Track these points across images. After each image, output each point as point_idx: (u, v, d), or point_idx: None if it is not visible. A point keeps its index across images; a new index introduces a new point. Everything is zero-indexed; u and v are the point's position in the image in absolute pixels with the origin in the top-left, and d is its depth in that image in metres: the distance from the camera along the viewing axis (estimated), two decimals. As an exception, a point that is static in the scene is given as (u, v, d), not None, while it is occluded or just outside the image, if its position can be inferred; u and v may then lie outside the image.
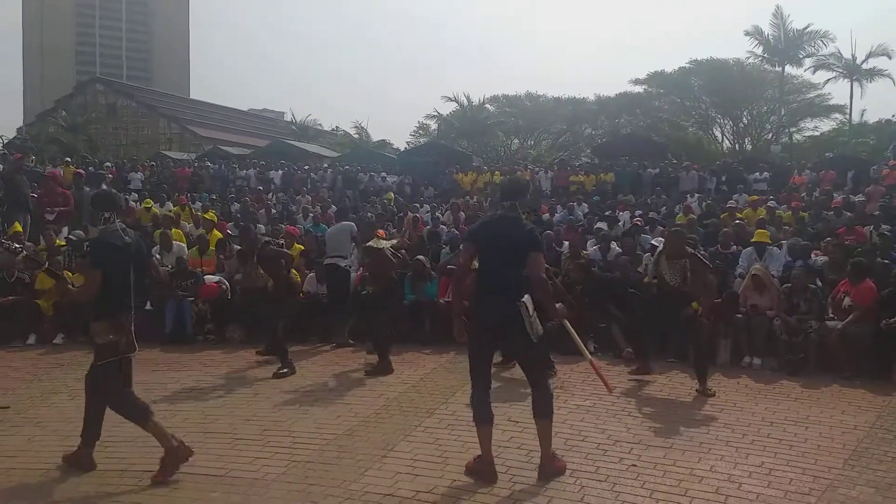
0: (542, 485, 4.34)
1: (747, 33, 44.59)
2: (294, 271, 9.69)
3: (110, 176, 19.47)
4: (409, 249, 10.00)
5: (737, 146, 47.57)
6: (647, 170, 22.01)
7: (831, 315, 7.63)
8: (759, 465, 4.71)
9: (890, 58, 41.09)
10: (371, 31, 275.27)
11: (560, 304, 4.70)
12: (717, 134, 50.30)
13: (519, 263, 4.40)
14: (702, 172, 21.47)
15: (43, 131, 49.70)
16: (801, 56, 43.82)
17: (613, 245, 10.32)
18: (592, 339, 8.40)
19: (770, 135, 46.86)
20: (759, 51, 44.76)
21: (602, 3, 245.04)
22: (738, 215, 12.82)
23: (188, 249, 10.79)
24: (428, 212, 16.57)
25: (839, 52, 42.47)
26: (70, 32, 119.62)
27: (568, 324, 4.93)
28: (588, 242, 11.07)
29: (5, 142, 36.46)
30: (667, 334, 7.43)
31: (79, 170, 17.36)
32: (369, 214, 12.43)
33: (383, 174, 23.86)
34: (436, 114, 50.20)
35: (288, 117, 65.59)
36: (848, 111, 43.75)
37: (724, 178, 20.79)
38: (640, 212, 14.80)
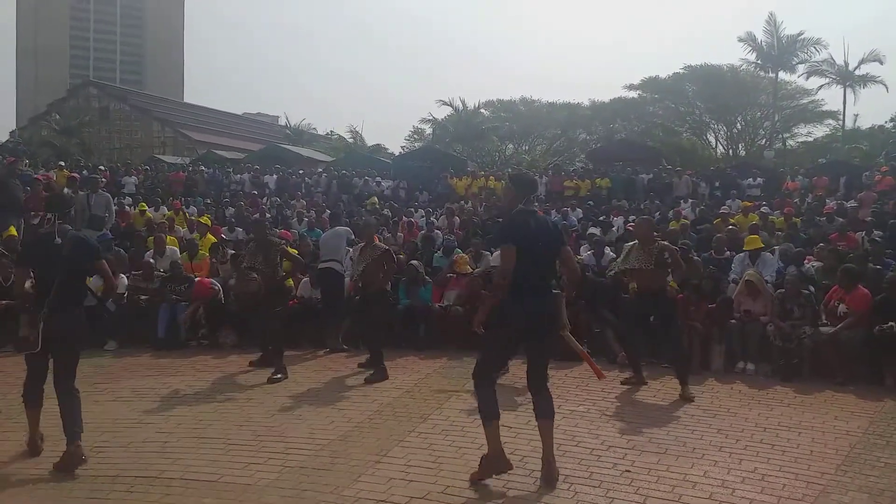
0: (536, 490, 4.33)
1: (741, 39, 44.88)
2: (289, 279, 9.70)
3: (104, 180, 19.39)
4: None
5: (730, 152, 47.76)
6: (640, 175, 22.08)
7: (825, 321, 7.65)
8: (752, 470, 4.72)
9: (882, 63, 41.42)
10: (367, 34, 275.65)
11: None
12: (711, 139, 50.52)
13: (553, 257, 4.55)
14: (695, 178, 21.55)
15: (36, 135, 49.53)
16: (794, 62, 44.10)
17: (607, 250, 10.33)
18: (586, 344, 8.40)
19: (764, 140, 47.08)
20: (753, 57, 45.05)
21: (597, 9, 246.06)
22: (731, 221, 12.86)
23: (180, 254, 10.75)
24: (423, 216, 16.58)
25: (832, 59, 42.78)
26: (64, 35, 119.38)
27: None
28: (582, 247, 11.08)
29: (-2, 145, 36.32)
30: (658, 339, 7.42)
31: (73, 174, 17.33)
32: (364, 218, 12.41)
33: (378, 179, 23.86)
34: (431, 118, 50.31)
35: (282, 121, 65.61)
36: (841, 117, 44.03)
37: (717, 184, 20.87)
38: (633, 217, 14.83)
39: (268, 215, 16.29)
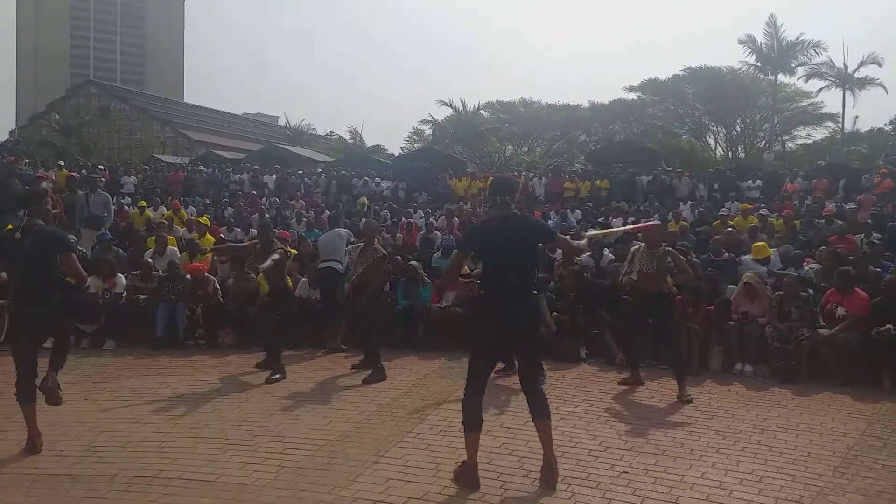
0: (534, 491, 4.33)
1: (741, 42, 44.96)
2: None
3: (103, 179, 19.39)
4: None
5: (730, 154, 47.84)
6: (640, 177, 22.09)
7: (822, 323, 7.65)
8: (749, 472, 4.72)
9: (881, 66, 41.45)
10: (367, 35, 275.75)
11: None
12: (711, 141, 50.60)
13: (531, 257, 4.43)
14: (694, 180, 21.57)
15: (35, 134, 49.66)
16: (793, 65, 44.16)
17: (606, 251, 10.33)
18: (585, 346, 8.42)
19: (763, 142, 47.14)
20: (753, 59, 45.13)
21: (597, 11, 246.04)
22: (731, 223, 12.86)
23: (180, 254, 10.76)
24: (422, 217, 16.58)
25: (831, 61, 42.82)
26: (64, 35, 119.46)
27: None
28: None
29: (-2, 144, 36.33)
30: (658, 341, 7.42)
31: (72, 173, 17.32)
32: (365, 220, 12.40)
33: (377, 179, 23.85)
34: (430, 119, 50.35)
35: (282, 121, 65.71)
36: (840, 119, 44.08)
37: (716, 186, 20.88)
38: (632, 219, 14.83)
39: (267, 215, 16.31)
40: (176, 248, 10.99)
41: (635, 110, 50.80)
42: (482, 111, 50.65)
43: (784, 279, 8.33)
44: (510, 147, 51.87)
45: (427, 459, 4.88)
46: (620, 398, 6.69)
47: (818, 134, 46.52)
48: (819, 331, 7.48)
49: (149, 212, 15.10)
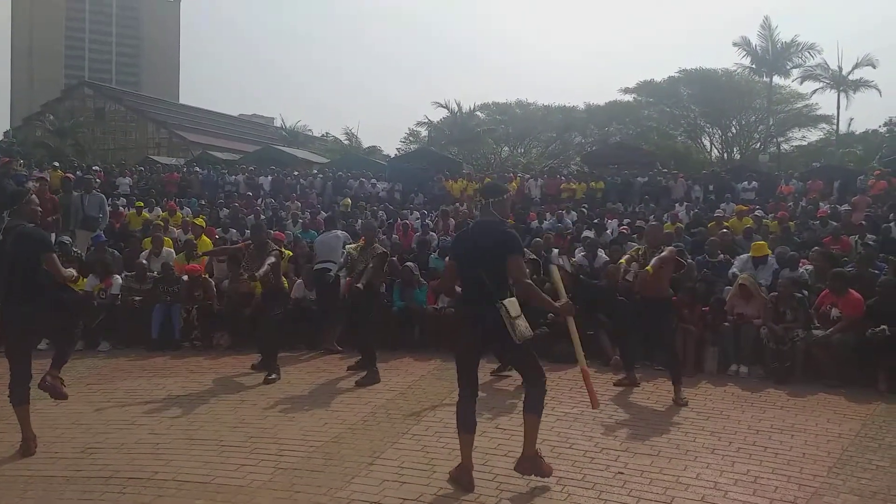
0: (529, 492, 4.33)
1: (736, 44, 45.07)
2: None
3: (98, 180, 19.35)
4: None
5: (725, 155, 47.93)
6: (636, 178, 22.13)
7: (817, 325, 7.68)
8: (744, 472, 4.73)
9: (875, 68, 41.59)
10: (363, 36, 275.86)
11: (566, 301, 4.63)
12: (706, 143, 50.72)
13: (497, 267, 4.32)
14: (689, 181, 21.61)
15: (30, 135, 49.49)
16: (788, 67, 44.28)
17: (600, 252, 10.35)
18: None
19: (758, 144, 47.25)
20: (748, 61, 45.25)
21: (593, 13, 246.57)
22: (726, 224, 12.90)
23: (175, 255, 10.73)
24: (418, 219, 16.58)
25: (826, 63, 42.95)
26: (59, 36, 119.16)
27: (572, 324, 4.78)
28: (576, 250, 11.10)
29: (-8, 145, 36.23)
30: (653, 342, 7.44)
31: (67, 174, 17.28)
32: (365, 220, 12.39)
33: (373, 180, 23.84)
34: (426, 120, 50.38)
35: (278, 123, 65.57)
36: (835, 121, 44.23)
37: (711, 188, 20.93)
38: (627, 220, 14.87)
39: (262, 217, 16.29)
40: (172, 250, 10.97)
41: (631, 112, 50.86)
42: (478, 112, 50.73)
43: (778, 280, 8.36)
44: (506, 148, 51.95)
45: (422, 461, 4.88)
46: (616, 399, 6.69)
47: (813, 135, 46.71)
48: (814, 332, 7.51)
49: (145, 213, 15.07)
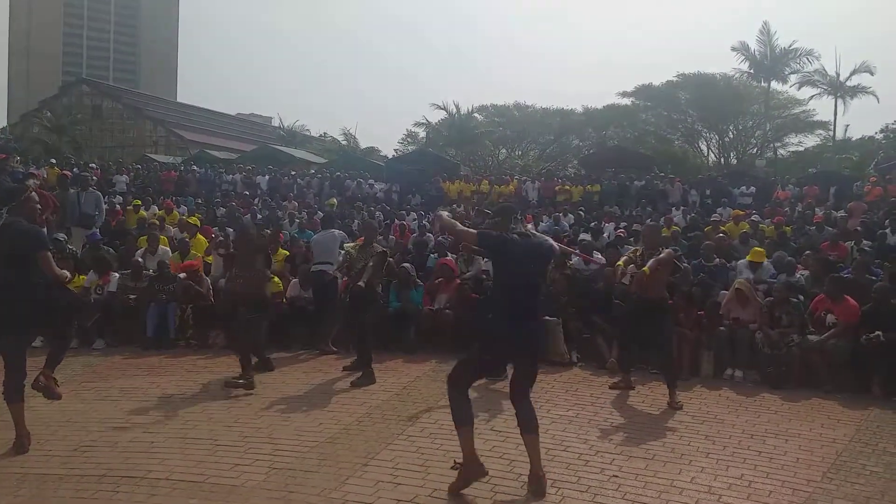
0: (524, 494, 4.33)
1: (734, 49, 45.21)
2: (276, 277, 9.64)
3: (95, 178, 19.30)
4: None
5: (722, 160, 48.00)
6: (633, 182, 22.16)
7: (812, 330, 7.69)
8: (739, 477, 4.74)
9: (873, 74, 41.71)
10: (361, 38, 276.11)
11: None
12: (703, 147, 50.74)
13: (539, 281, 4.53)
14: (686, 185, 21.66)
15: (27, 132, 49.39)
16: (786, 72, 44.42)
17: (596, 255, 10.35)
18: (576, 349, 8.43)
19: (755, 149, 47.35)
20: (746, 66, 45.39)
21: (592, 17, 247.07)
22: (722, 228, 12.92)
23: (171, 253, 10.71)
24: (415, 220, 16.57)
25: (823, 69, 43.08)
26: (57, 33, 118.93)
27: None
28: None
29: (-11, 142, 36.09)
30: (649, 345, 7.43)
31: (64, 171, 17.23)
32: (365, 220, 12.37)
33: (371, 181, 23.84)
34: (424, 121, 50.33)
35: (276, 122, 65.37)
36: (832, 127, 44.34)
37: (708, 192, 20.97)
38: (624, 224, 14.87)
39: (259, 216, 16.27)
40: (168, 248, 10.95)
41: (628, 116, 50.89)
42: (476, 114, 50.63)
43: (774, 285, 8.37)
44: (504, 150, 51.92)
45: (417, 462, 4.88)
46: (611, 402, 6.70)
47: (810, 141, 46.81)
48: (809, 337, 7.52)
49: (142, 211, 15.04)
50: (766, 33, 44.48)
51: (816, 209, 16.28)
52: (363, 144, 51.69)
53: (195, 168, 25.21)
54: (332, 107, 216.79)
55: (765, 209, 17.22)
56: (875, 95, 41.84)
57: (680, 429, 5.85)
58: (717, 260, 9.90)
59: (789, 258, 9.58)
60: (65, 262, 7.78)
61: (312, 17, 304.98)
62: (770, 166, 38.52)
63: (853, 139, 44.03)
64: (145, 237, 11.24)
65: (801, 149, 46.55)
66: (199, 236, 11.72)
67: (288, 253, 10.65)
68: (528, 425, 4.44)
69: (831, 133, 44.51)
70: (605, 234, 13.51)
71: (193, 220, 13.32)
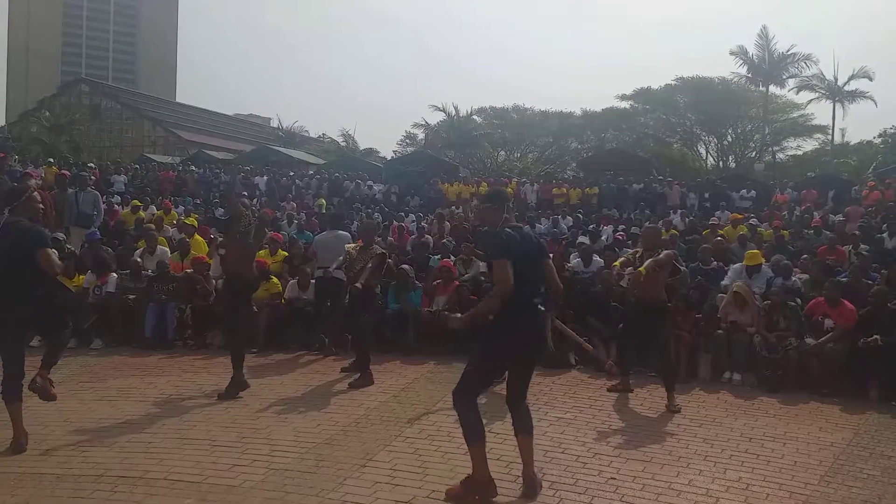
0: (521, 496, 4.33)
1: (732, 53, 45.32)
2: (275, 279, 9.65)
3: (93, 178, 19.29)
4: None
5: (720, 164, 48.13)
6: (631, 185, 22.19)
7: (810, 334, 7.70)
8: (736, 480, 4.74)
9: (871, 80, 41.82)
10: (360, 39, 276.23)
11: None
12: (702, 151, 50.92)
13: (541, 274, 4.46)
14: (684, 189, 21.69)
15: (25, 131, 49.29)
16: (784, 77, 44.55)
17: (595, 258, 10.37)
18: (574, 352, 8.43)
19: (754, 153, 47.51)
20: (744, 70, 45.49)
21: (591, 19, 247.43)
22: (720, 232, 12.93)
23: (170, 254, 10.71)
24: (413, 221, 16.58)
25: (822, 74, 43.19)
26: (56, 33, 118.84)
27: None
28: (571, 255, 11.11)
29: (-13, 141, 36.03)
30: (647, 348, 7.44)
31: (63, 171, 17.21)
32: (364, 220, 12.35)
33: (369, 182, 23.86)
34: (423, 123, 50.37)
35: (274, 123, 65.33)
36: (830, 131, 44.44)
37: (706, 195, 21.01)
38: (622, 227, 14.90)
39: (255, 217, 16.23)
40: (166, 248, 10.94)
41: (627, 119, 51.03)
42: (475, 116, 50.73)
43: (772, 289, 8.38)
44: (502, 153, 52.01)
45: (415, 464, 4.88)
46: (609, 405, 6.70)
47: (808, 145, 46.99)
48: (807, 340, 7.53)
49: (140, 211, 15.02)
50: (764, 37, 44.65)
51: (815, 213, 16.30)
52: (362, 146, 51.70)
53: (193, 168, 25.20)
54: (330, 108, 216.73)
55: (763, 213, 17.25)
56: (874, 100, 42.02)
57: (678, 432, 5.85)
58: (715, 263, 9.90)
59: (786, 261, 9.59)
60: (64, 261, 7.76)
61: (312, 19, 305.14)
62: (769, 170, 38.64)
63: (851, 143, 44.19)
64: (142, 241, 11.21)
65: (799, 153, 46.81)
66: (197, 236, 11.70)
67: (287, 254, 10.64)
68: (522, 426, 4.42)
69: (830, 137, 44.66)
70: (603, 237, 13.52)
71: (191, 220, 13.31)
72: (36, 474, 4.62)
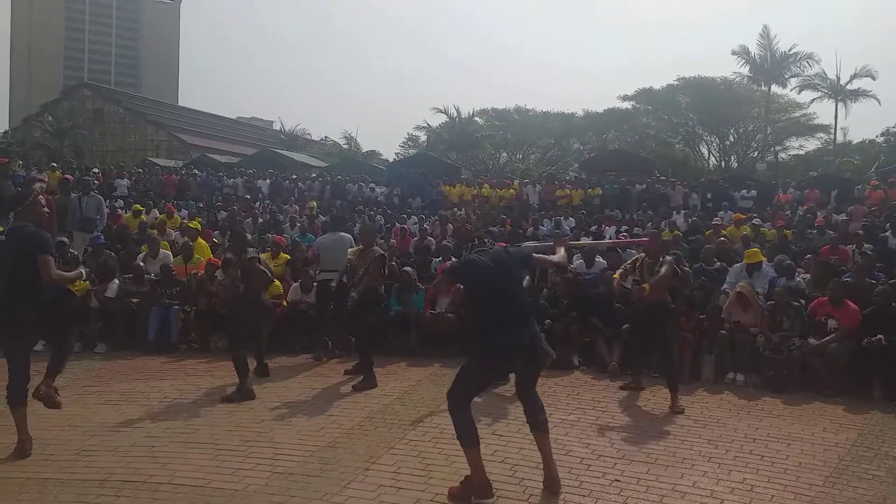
0: (526, 499, 4.33)
1: (734, 53, 45.27)
2: (277, 282, 9.63)
3: (96, 182, 19.33)
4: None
5: (723, 164, 48.08)
6: (634, 185, 22.18)
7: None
8: (741, 481, 4.73)
9: (874, 79, 41.73)
10: (362, 42, 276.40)
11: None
12: (704, 151, 50.88)
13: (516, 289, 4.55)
14: (686, 189, 21.68)
15: (28, 136, 49.45)
16: (786, 76, 44.47)
17: (599, 259, 10.36)
18: (577, 354, 8.43)
19: (756, 153, 47.43)
20: (746, 70, 45.43)
21: (593, 20, 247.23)
22: (723, 232, 12.91)
23: (174, 257, 10.72)
24: (416, 223, 16.59)
25: (824, 73, 43.11)
26: (59, 37, 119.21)
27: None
28: (574, 256, 11.10)
29: (-9, 145, 36.13)
30: (650, 349, 7.43)
31: (66, 175, 17.25)
32: (364, 223, 12.36)
33: (372, 185, 23.88)
34: (425, 125, 50.40)
35: (277, 126, 65.39)
36: (832, 131, 44.36)
37: (709, 196, 20.99)
38: (625, 227, 14.89)
39: (260, 220, 16.29)
40: (169, 252, 10.95)
41: (629, 119, 51.02)
42: (477, 118, 50.66)
43: (776, 289, 8.36)
44: (504, 154, 52.04)
45: (419, 466, 4.87)
46: (613, 406, 6.68)
47: (810, 145, 46.91)
48: (810, 340, 7.51)
49: (143, 215, 15.05)
50: (766, 37, 44.60)
51: (818, 212, 16.27)
52: (364, 148, 51.70)
53: (196, 172, 25.24)
54: (333, 111, 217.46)
55: (766, 213, 17.23)
56: (876, 99, 41.92)
57: (682, 433, 5.84)
58: (719, 263, 9.88)
59: (789, 261, 9.57)
60: (67, 266, 7.77)
61: (314, 22, 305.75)
62: (771, 170, 38.59)
63: (854, 143, 44.10)
64: (145, 246, 11.23)
65: (801, 152, 46.73)
66: (200, 240, 11.71)
67: (289, 257, 10.64)
68: (533, 422, 4.44)
69: (832, 137, 44.56)
70: (606, 238, 13.52)
71: (194, 224, 13.33)
72: (40, 479, 4.62)
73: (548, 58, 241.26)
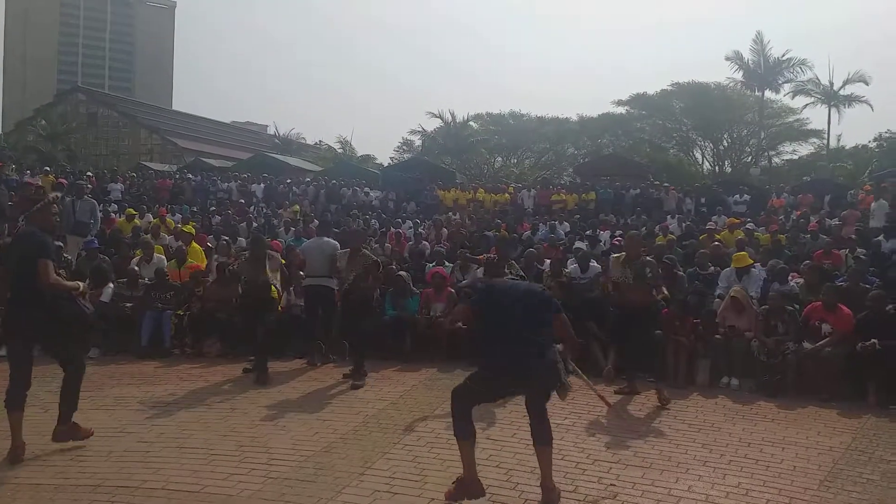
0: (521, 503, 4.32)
1: (728, 58, 45.46)
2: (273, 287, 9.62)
3: (90, 186, 19.24)
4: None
5: (717, 168, 48.19)
6: (628, 190, 22.22)
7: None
8: (736, 485, 4.74)
9: (867, 84, 41.94)
10: (357, 46, 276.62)
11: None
12: (698, 156, 50.94)
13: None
14: (680, 194, 21.73)
15: (22, 139, 49.20)
16: (780, 81, 44.67)
17: (592, 263, 10.37)
18: (571, 358, 8.41)
19: (750, 158, 47.55)
20: (740, 76, 45.63)
21: (587, 26, 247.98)
22: (717, 237, 12.95)
23: (167, 262, 10.68)
24: (410, 228, 16.58)
25: (817, 78, 43.32)
26: (53, 41, 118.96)
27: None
28: (569, 261, 11.12)
29: (-17, 150, 35.97)
30: (638, 350, 7.43)
31: (60, 179, 17.19)
32: (355, 227, 12.34)
33: (366, 189, 23.87)
34: (420, 129, 50.45)
35: (271, 130, 65.38)
36: (826, 136, 44.53)
37: (703, 200, 21.04)
38: (620, 232, 14.90)
39: (254, 224, 16.25)
40: (163, 256, 10.91)
41: (623, 124, 51.10)
42: (471, 123, 50.74)
43: (770, 293, 8.38)
44: (499, 159, 52.03)
45: (414, 471, 4.86)
46: (608, 411, 6.67)
47: (804, 150, 47.07)
48: (805, 345, 7.53)
49: (136, 220, 15.00)
50: (759, 42, 44.80)
51: (811, 217, 16.33)
52: (359, 152, 51.68)
53: (190, 176, 25.17)
54: (327, 115, 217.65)
55: (760, 217, 17.27)
56: (869, 104, 42.14)
57: (677, 437, 5.84)
58: (713, 268, 9.91)
59: (782, 265, 9.60)
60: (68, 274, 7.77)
61: (308, 26, 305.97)
62: (764, 174, 38.67)
63: (847, 148, 44.26)
64: (139, 251, 11.19)
65: (795, 157, 46.83)
66: (194, 244, 11.68)
67: (284, 261, 10.60)
68: (540, 436, 4.39)
69: (825, 142, 44.74)
70: (601, 243, 13.55)
71: (188, 228, 13.29)
72: (33, 484, 4.60)
73: (542, 62, 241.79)
